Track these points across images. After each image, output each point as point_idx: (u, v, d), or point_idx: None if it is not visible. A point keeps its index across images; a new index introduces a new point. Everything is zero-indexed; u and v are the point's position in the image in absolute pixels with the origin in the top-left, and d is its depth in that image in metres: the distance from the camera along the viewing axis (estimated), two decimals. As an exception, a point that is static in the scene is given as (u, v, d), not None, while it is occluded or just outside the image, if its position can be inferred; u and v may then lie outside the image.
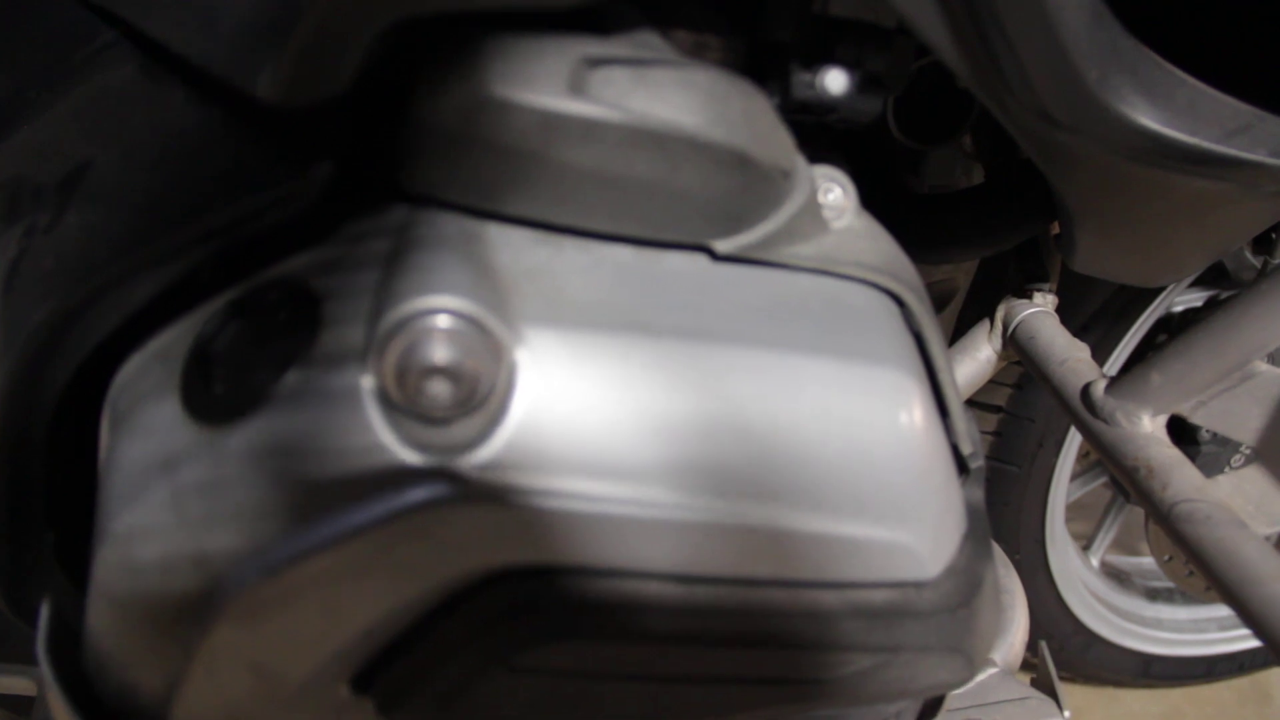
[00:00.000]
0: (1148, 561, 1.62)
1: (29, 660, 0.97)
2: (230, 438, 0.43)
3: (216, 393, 0.45)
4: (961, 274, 1.06)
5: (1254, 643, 1.56)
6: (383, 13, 0.39)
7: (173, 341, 0.48)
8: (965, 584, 0.53)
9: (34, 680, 0.96)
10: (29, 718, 0.94)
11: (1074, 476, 1.40)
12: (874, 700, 0.52)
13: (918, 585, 0.50)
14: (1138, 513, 1.51)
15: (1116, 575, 1.58)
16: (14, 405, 0.50)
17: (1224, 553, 0.61)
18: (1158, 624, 1.54)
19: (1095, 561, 1.52)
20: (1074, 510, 1.47)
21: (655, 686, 0.47)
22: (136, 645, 0.47)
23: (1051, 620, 1.42)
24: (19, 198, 0.55)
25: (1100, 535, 1.53)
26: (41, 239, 0.51)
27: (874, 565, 0.49)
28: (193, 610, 0.44)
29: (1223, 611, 1.56)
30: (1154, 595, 1.58)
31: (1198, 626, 1.56)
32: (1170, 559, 1.36)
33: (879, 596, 0.49)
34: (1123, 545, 1.65)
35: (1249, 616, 0.59)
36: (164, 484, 0.44)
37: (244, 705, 0.47)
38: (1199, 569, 0.63)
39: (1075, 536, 1.49)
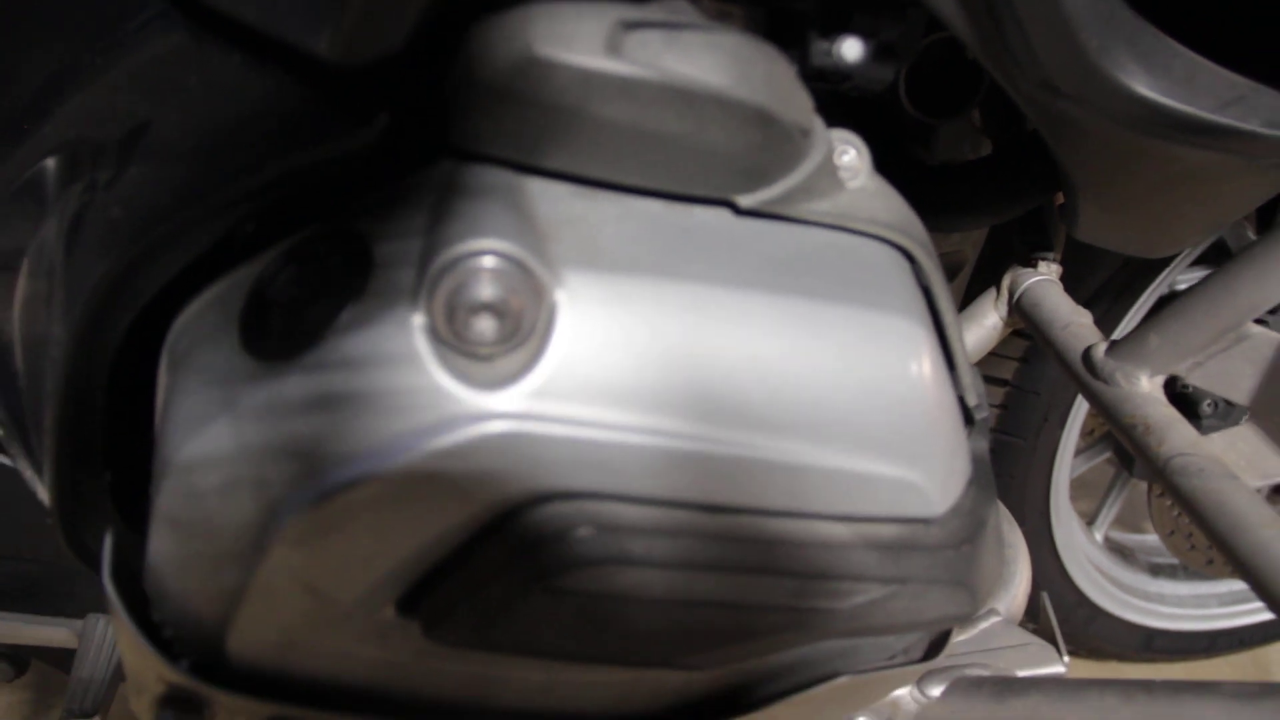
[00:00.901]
0: (1151, 538, 1.65)
1: (68, 614, 1.00)
2: (288, 372, 0.46)
3: (273, 331, 0.48)
4: (969, 246, 1.09)
5: (1255, 618, 1.59)
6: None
7: (229, 289, 0.51)
8: (970, 523, 0.56)
9: (74, 633, 0.99)
10: (68, 671, 0.98)
11: (1078, 452, 1.43)
12: (883, 630, 0.56)
13: (925, 521, 0.54)
14: (1140, 492, 1.54)
15: (1120, 550, 1.61)
16: (79, 353, 0.53)
17: (1216, 503, 0.64)
18: (1160, 599, 1.58)
19: (1099, 536, 1.56)
20: (1077, 489, 1.50)
21: (681, 610, 0.50)
22: (197, 570, 0.50)
23: (1056, 593, 1.45)
24: (80, 157, 0.58)
25: (1104, 511, 1.56)
26: (104, 194, 0.55)
27: (884, 500, 0.52)
28: (252, 534, 0.47)
29: (1224, 587, 1.59)
30: (1157, 570, 1.61)
31: (1200, 602, 1.59)
32: (1173, 533, 1.39)
33: (888, 530, 0.53)
34: (1125, 523, 1.68)
35: (1239, 562, 0.62)
36: (225, 416, 0.47)
37: (297, 627, 0.50)
38: (1192, 519, 0.66)
39: (1079, 514, 1.52)
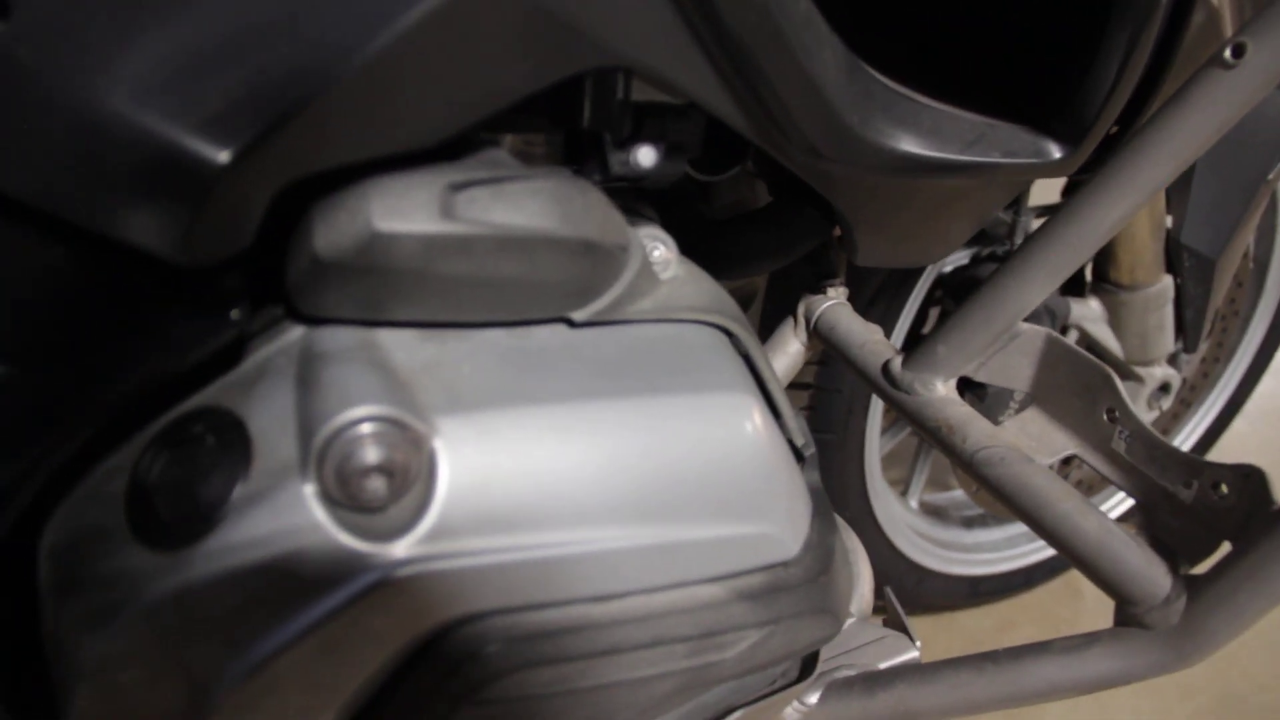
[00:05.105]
0: (959, 494, 1.77)
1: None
2: (191, 557, 0.48)
3: (165, 520, 0.50)
4: (758, 276, 1.17)
5: (1059, 548, 1.75)
6: (278, 177, 0.46)
7: (102, 480, 0.52)
8: (821, 555, 0.63)
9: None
10: None
11: (883, 431, 1.53)
12: (766, 666, 0.62)
13: (785, 564, 0.60)
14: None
15: (935, 512, 1.73)
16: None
17: (1019, 486, 0.73)
18: (977, 548, 1.70)
19: (914, 503, 1.66)
20: (886, 460, 1.61)
21: (596, 694, 0.55)
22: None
23: (885, 564, 1.55)
24: None
25: (914, 478, 1.67)
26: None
27: (747, 555, 0.58)
28: (183, 717, 0.49)
29: (1029, 525, 1.74)
30: (970, 523, 1.73)
31: (1011, 543, 1.73)
32: (978, 490, 1.51)
33: (756, 580, 0.59)
34: (935, 483, 1.81)
35: (1046, 533, 0.71)
36: (134, 610, 0.48)
37: (237, 791, 0.52)
38: (1001, 502, 0.75)
39: (892, 483, 1.63)
